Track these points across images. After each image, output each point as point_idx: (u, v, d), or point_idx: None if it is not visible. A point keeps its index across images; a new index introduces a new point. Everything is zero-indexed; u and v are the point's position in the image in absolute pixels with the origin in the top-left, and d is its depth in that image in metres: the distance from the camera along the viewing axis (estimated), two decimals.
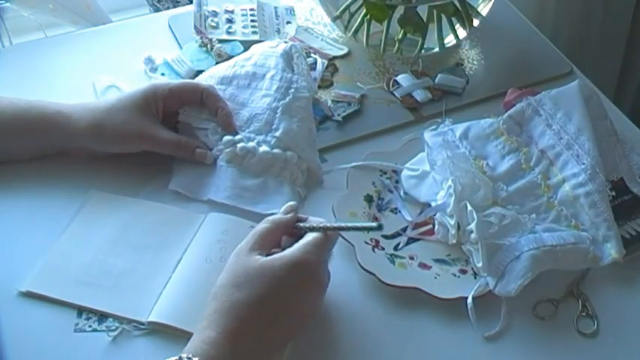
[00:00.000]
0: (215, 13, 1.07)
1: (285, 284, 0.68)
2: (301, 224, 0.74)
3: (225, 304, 0.67)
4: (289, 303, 0.69)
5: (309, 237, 0.71)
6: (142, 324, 0.74)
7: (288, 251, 0.70)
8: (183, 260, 0.78)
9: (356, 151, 0.91)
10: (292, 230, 0.74)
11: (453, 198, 0.80)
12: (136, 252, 0.80)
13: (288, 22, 1.10)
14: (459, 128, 0.90)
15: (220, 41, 1.04)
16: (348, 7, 1.04)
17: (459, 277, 0.79)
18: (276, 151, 0.86)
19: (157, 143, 0.86)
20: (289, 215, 0.74)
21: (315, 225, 0.73)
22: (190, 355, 0.63)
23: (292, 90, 0.90)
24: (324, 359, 0.73)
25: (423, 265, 0.80)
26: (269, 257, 0.69)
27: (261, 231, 0.72)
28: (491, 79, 1.04)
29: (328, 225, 0.73)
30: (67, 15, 1.23)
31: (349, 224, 0.74)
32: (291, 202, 0.76)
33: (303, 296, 0.70)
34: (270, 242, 0.72)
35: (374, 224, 0.73)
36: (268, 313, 0.67)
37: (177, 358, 0.63)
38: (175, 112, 0.90)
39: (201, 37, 1.04)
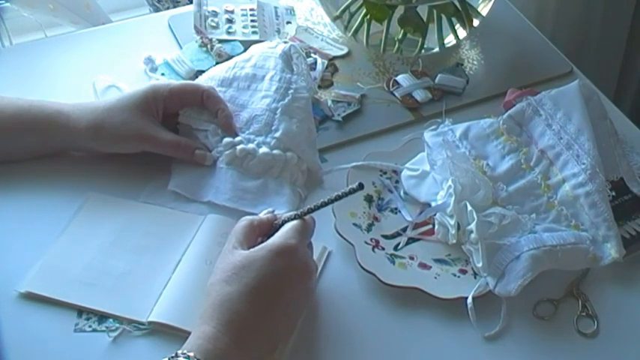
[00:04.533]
0: (215, 13, 1.07)
1: (272, 271, 0.69)
2: (280, 220, 0.75)
3: (218, 299, 0.68)
4: (280, 290, 0.69)
5: (288, 225, 0.73)
6: (142, 324, 0.74)
7: (270, 240, 0.71)
8: (183, 261, 0.78)
9: (356, 151, 0.91)
10: (268, 230, 0.75)
11: (453, 198, 0.80)
12: (134, 253, 0.80)
13: (288, 22, 1.10)
14: (459, 128, 0.90)
15: (220, 41, 1.04)
16: (348, 7, 1.04)
17: (459, 277, 0.79)
18: (276, 152, 0.86)
19: (157, 144, 0.86)
20: (266, 214, 0.76)
21: (292, 213, 0.74)
22: (186, 351, 0.64)
23: (291, 91, 0.90)
24: (324, 359, 0.73)
25: (423, 265, 0.80)
26: (252, 249, 0.71)
27: (240, 229, 0.73)
28: (491, 79, 1.04)
29: (305, 209, 0.74)
30: (67, 15, 1.23)
31: (326, 199, 0.74)
32: (268, 209, 0.78)
33: (292, 281, 0.70)
34: (249, 237, 0.73)
35: (352, 187, 0.73)
36: (261, 302, 0.68)
37: (173, 355, 0.63)
38: (175, 113, 0.90)
39: (201, 37, 1.04)
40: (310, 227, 0.74)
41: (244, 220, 0.74)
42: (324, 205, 0.74)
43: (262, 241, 0.72)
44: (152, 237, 0.81)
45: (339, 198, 0.74)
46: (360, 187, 0.72)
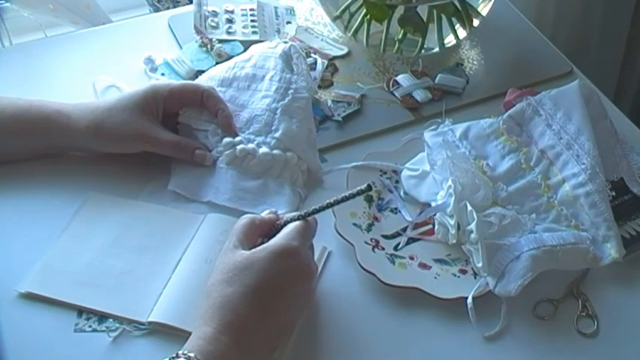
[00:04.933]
0: (215, 13, 1.07)
1: (273, 273, 0.69)
2: (282, 220, 0.75)
3: (218, 300, 0.68)
4: (281, 291, 0.69)
5: (290, 226, 0.73)
6: (142, 324, 0.74)
7: (272, 241, 0.71)
8: (183, 261, 0.78)
9: (356, 151, 0.91)
10: (270, 230, 0.74)
11: (453, 198, 0.80)
12: (134, 253, 0.80)
13: (288, 22, 1.10)
14: (459, 128, 0.90)
15: (220, 41, 1.04)
16: (348, 7, 1.04)
17: (459, 277, 0.79)
18: (276, 152, 0.86)
19: (157, 144, 0.86)
20: (268, 214, 0.76)
21: (295, 214, 0.74)
22: (186, 352, 0.64)
23: (291, 91, 0.90)
24: (324, 359, 0.73)
25: (423, 265, 0.80)
26: (253, 250, 0.70)
27: (241, 227, 0.73)
28: (491, 79, 1.04)
29: (308, 210, 0.74)
30: (67, 15, 1.23)
31: (331, 200, 0.74)
32: (270, 208, 0.78)
33: (293, 283, 0.70)
34: (250, 236, 0.72)
35: (360, 188, 0.72)
36: (262, 303, 0.68)
37: (174, 355, 0.63)
38: (175, 113, 0.90)
39: (201, 37, 1.04)
40: (313, 229, 0.74)
41: (245, 219, 0.74)
42: (329, 206, 0.74)
43: (263, 241, 0.72)
44: (152, 236, 0.81)
45: (345, 199, 0.74)
46: (368, 188, 0.72)
